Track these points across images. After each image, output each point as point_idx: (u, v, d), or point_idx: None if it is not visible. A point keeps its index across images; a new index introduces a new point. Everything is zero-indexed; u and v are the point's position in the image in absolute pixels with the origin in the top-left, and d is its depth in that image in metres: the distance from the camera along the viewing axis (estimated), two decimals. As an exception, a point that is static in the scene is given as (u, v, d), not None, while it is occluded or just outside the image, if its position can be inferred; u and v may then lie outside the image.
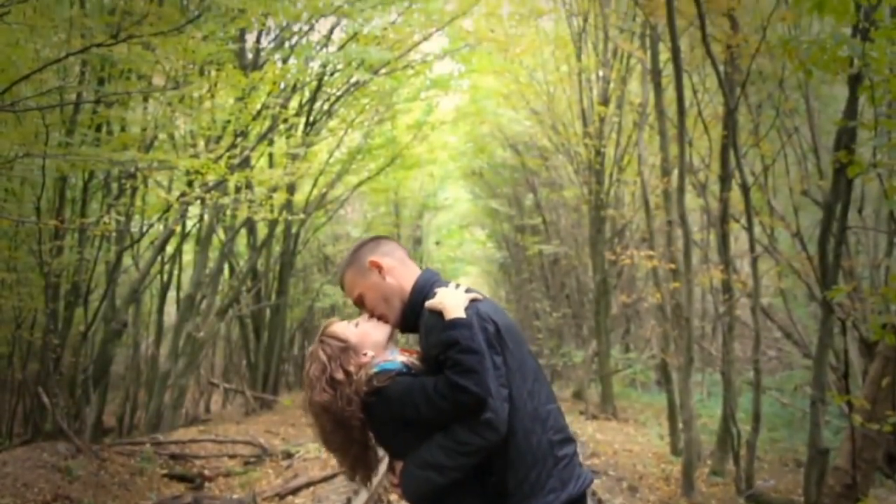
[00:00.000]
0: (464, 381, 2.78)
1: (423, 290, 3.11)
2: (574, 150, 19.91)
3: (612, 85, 18.36)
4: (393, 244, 3.31)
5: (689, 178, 11.89)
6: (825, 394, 8.65)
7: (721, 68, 10.29)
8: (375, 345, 3.09)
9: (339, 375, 3.00)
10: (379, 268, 3.18)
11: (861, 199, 11.80)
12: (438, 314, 2.94)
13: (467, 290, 3.07)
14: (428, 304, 3.02)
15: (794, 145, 12.73)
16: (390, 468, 3.07)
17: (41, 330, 13.10)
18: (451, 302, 2.96)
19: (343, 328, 3.13)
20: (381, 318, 3.18)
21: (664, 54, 13.14)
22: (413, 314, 3.10)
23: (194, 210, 15.92)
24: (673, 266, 12.04)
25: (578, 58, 18.60)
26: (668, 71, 12.71)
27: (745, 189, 10.41)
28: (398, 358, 3.06)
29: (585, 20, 18.23)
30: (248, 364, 22.91)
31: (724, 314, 11.75)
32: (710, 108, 14.09)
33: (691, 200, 14.39)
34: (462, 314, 2.90)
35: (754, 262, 10.98)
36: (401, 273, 3.19)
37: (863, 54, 5.31)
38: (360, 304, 3.23)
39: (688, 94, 11.56)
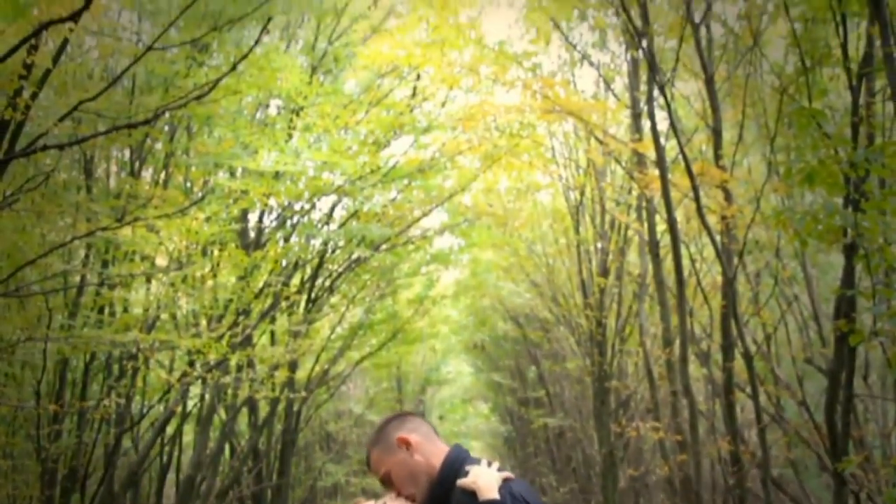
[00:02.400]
0: None
1: (454, 466, 3.05)
2: (575, 321, 19.91)
3: (610, 256, 18.52)
4: (419, 420, 3.28)
5: (691, 347, 11.87)
6: (844, 570, 8.37)
7: (717, 239, 10.43)
8: None
9: None
10: (407, 444, 3.13)
11: (865, 367, 11.72)
12: (472, 494, 2.88)
13: (499, 469, 3.02)
14: (461, 482, 2.96)
15: (794, 313, 12.75)
16: None
17: (35, 518, 12.78)
18: (484, 482, 2.90)
19: None
20: (409, 496, 3.10)
21: (661, 226, 13.34)
22: (443, 491, 3.03)
23: (195, 390, 15.79)
24: (679, 437, 11.86)
25: (576, 230, 18.82)
26: (665, 242, 12.86)
27: (747, 358, 10.36)
28: None
29: (582, 193, 18.54)
30: (249, 547, 22.25)
31: (734, 486, 11.49)
32: (708, 277, 14.20)
33: (695, 370, 14.32)
34: (496, 495, 2.85)
35: (762, 432, 10.83)
36: (428, 449, 3.14)
37: (855, 225, 5.39)
38: (388, 482, 3.16)
39: (686, 264, 11.66)
